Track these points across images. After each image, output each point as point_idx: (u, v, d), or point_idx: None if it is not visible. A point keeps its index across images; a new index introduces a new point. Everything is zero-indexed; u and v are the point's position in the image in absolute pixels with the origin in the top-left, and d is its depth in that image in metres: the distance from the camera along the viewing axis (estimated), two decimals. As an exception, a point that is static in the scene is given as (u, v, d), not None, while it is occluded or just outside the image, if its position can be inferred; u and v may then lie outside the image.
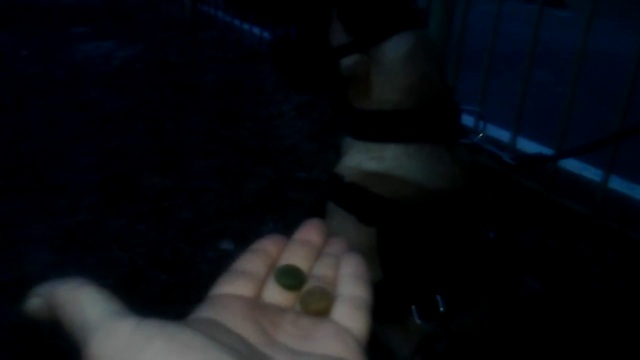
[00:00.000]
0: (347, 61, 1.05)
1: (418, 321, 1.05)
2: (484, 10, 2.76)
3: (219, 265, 1.63)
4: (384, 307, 1.09)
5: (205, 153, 2.71)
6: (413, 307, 1.05)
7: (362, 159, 1.08)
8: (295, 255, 0.41)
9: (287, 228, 1.77)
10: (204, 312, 0.34)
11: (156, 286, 1.78)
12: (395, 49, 1.03)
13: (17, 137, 2.80)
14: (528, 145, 2.53)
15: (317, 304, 0.36)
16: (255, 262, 0.39)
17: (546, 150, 2.36)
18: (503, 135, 2.38)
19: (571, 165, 2.30)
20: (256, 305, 0.36)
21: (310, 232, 0.44)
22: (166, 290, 1.76)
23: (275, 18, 3.87)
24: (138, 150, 2.70)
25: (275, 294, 0.38)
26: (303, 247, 0.42)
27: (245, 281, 0.38)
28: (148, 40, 4.76)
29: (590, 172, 2.24)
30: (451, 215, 1.05)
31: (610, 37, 4.77)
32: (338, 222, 1.10)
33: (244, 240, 2.02)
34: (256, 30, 4.35)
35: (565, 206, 2.10)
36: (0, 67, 3.95)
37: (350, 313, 0.36)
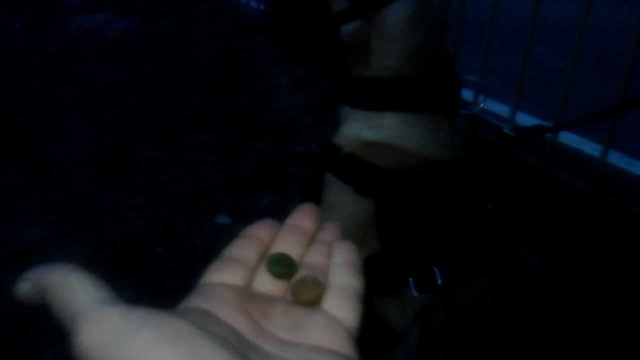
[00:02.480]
0: (348, 27, 1.02)
1: (415, 293, 1.04)
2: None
3: (215, 239, 1.63)
4: (381, 279, 1.08)
5: (201, 126, 2.68)
6: (410, 279, 1.05)
7: (360, 128, 1.06)
8: (287, 242, 0.40)
9: (283, 202, 1.76)
10: (194, 301, 0.33)
11: (151, 260, 1.77)
12: (396, 14, 1.00)
13: (11, 109, 2.77)
14: (527, 120, 2.51)
15: (308, 294, 0.36)
16: (246, 249, 0.38)
17: (546, 124, 2.33)
18: (502, 109, 2.36)
19: (570, 139, 2.27)
20: (246, 294, 0.35)
21: (303, 217, 0.43)
22: (161, 264, 1.75)
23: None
24: (134, 124, 2.68)
25: (266, 283, 0.37)
26: (295, 233, 0.41)
27: (236, 269, 0.37)
28: (144, 13, 4.69)
29: (590, 147, 2.22)
30: (450, 186, 1.04)
31: (610, 13, 4.72)
32: (335, 194, 1.08)
33: (240, 214, 2.01)
34: (253, 3, 4.28)
35: (564, 180, 2.08)
36: (-7, 39, 3.90)
37: (341, 303, 0.36)
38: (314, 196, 1.13)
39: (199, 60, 3.60)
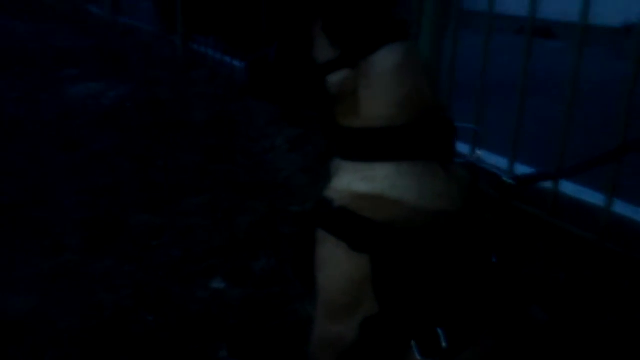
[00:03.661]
0: (335, 77, 0.99)
1: (419, 357, 0.97)
2: (472, 44, 2.73)
3: (209, 304, 1.55)
4: (381, 342, 1.01)
5: (195, 190, 2.64)
6: (413, 342, 0.98)
7: (351, 180, 1.01)
8: None
9: (280, 264, 1.68)
10: None
11: (142, 328, 1.68)
12: (384, 61, 0.97)
13: (2, 177, 2.73)
14: (526, 171, 2.47)
15: None
16: None
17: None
18: (499, 161, 2.32)
19: (571, 189, 2.23)
20: None
21: None
22: (153, 332, 1.67)
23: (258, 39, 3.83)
24: (126, 189, 2.63)
25: None
26: None
27: None
28: (139, 80, 4.74)
29: (591, 196, 2.17)
30: (450, 239, 0.98)
31: (601, 64, 4.76)
32: (328, 250, 1.03)
33: (235, 278, 1.94)
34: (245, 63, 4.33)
35: (568, 232, 2.02)
36: (-12, 110, 3.91)
37: None
38: (307, 254, 1.07)
39: (193, 123, 3.61)
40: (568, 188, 2.18)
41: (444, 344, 0.96)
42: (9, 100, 4.17)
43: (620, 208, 2.03)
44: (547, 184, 2.07)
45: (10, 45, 6.44)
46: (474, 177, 1.06)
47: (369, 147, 0.99)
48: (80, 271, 1.97)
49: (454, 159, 1.03)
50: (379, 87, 0.97)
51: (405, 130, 0.98)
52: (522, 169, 2.41)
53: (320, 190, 2.53)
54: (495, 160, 2.39)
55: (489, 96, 2.37)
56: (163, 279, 1.93)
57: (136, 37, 6.86)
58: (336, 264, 1.02)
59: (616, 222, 1.98)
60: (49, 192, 2.59)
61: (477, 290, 0.99)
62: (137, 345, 1.61)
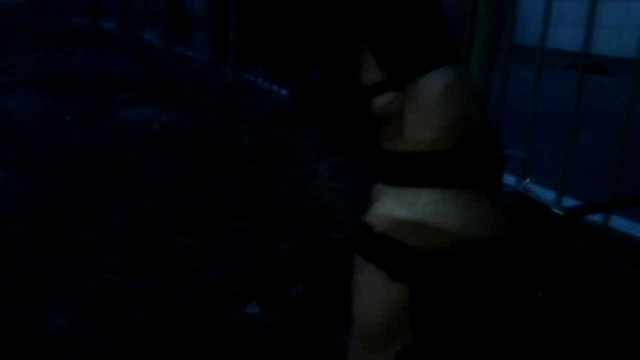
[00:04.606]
0: (381, 100, 0.96)
1: (457, 393, 0.91)
2: (522, 77, 2.67)
3: (243, 329, 1.52)
4: (416, 376, 0.95)
5: (237, 213, 2.64)
6: (451, 376, 0.92)
7: (393, 206, 0.97)
8: None
9: (317, 291, 1.65)
10: None
11: (175, 351, 1.66)
12: (432, 85, 0.94)
13: (51, 195, 2.80)
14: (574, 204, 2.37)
15: None
16: None
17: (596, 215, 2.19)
18: (547, 194, 2.24)
19: (622, 224, 2.12)
20: None
21: None
22: (185, 356, 1.65)
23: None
24: (170, 211, 2.65)
25: None
26: None
27: None
28: (189, 106, 4.83)
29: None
30: (494, 270, 0.93)
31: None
32: (366, 278, 0.99)
33: (271, 304, 1.91)
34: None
35: (618, 267, 1.92)
36: (43, 131, 4.03)
37: None
38: (344, 281, 1.04)
39: (239, 149, 3.63)
40: (619, 223, 2.08)
41: (484, 381, 0.90)
42: (64, 122, 4.30)
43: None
44: (597, 217, 1.98)
45: (69, 71, 6.69)
46: (521, 207, 1.01)
47: (413, 172, 0.96)
48: (119, 291, 1.98)
49: (501, 187, 0.98)
50: (426, 110, 0.94)
51: (452, 155, 0.94)
52: (569, 202, 2.32)
53: (361, 217, 2.50)
54: (543, 193, 2.31)
55: (537, 129, 2.31)
56: (199, 301, 1.92)
57: (189, 65, 7.02)
58: (373, 293, 0.98)
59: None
60: (95, 213, 2.63)
61: (521, 324, 0.94)
62: (169, 367, 1.59)
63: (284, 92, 4.59)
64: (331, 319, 1.77)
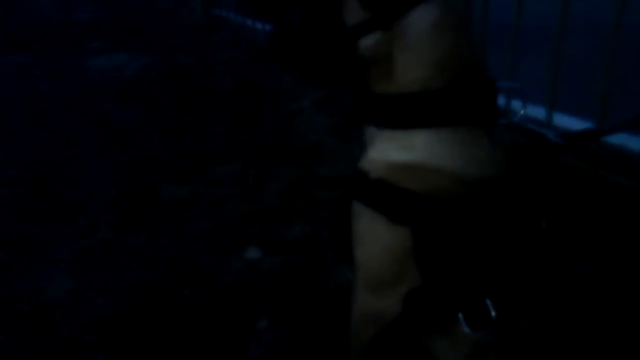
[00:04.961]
0: (367, 41, 0.92)
1: (467, 330, 0.92)
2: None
3: (245, 275, 1.52)
4: (426, 315, 0.96)
5: (224, 158, 2.60)
6: (460, 314, 0.92)
7: (388, 150, 0.95)
8: None
9: (315, 230, 1.63)
10: None
11: (179, 303, 1.67)
12: (420, 21, 0.90)
13: (32, 157, 2.73)
14: (565, 121, 2.36)
15: None
16: None
17: (586, 125, 2.19)
18: (538, 112, 2.22)
19: (615, 137, 2.12)
20: None
21: None
22: (190, 307, 1.66)
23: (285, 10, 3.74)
24: (156, 161, 2.61)
25: None
26: None
27: None
28: (161, 49, 4.68)
29: (636, 143, 2.07)
30: (496, 207, 0.92)
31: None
32: (366, 224, 0.97)
33: (270, 247, 1.91)
34: (269, 28, 4.23)
35: (612, 181, 1.93)
36: (15, 88, 3.91)
37: None
38: (343, 228, 1.03)
39: (219, 90, 3.55)
40: (611, 137, 2.08)
41: (493, 315, 0.91)
42: (34, 77, 4.17)
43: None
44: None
45: (33, 20, 6.42)
46: (519, 139, 0.99)
47: (406, 113, 0.93)
48: (114, 249, 1.97)
49: (496, 121, 0.95)
50: (416, 48, 0.90)
51: (445, 93, 0.91)
52: (560, 118, 2.31)
53: (350, 151, 2.48)
54: (533, 111, 2.29)
55: (523, 41, 2.27)
56: (197, 251, 1.92)
57: (157, 4, 6.77)
58: (375, 238, 0.96)
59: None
60: (80, 170, 2.58)
61: (526, 258, 0.93)
62: (174, 321, 1.60)
63: (259, 25, 4.44)
64: (331, 257, 1.78)
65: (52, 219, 2.18)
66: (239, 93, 3.49)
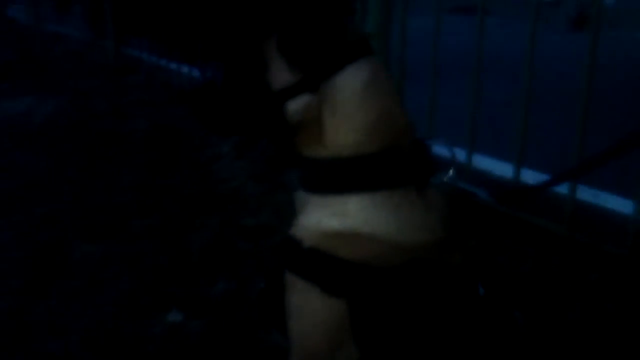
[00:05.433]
0: (295, 104, 0.87)
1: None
2: (413, 25, 2.64)
3: (167, 341, 1.40)
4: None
5: (141, 210, 2.48)
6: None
7: (321, 217, 0.90)
8: None
9: (240, 286, 1.54)
10: None
11: (96, 379, 1.54)
12: (350, 83, 0.86)
13: None
14: (484, 162, 2.42)
15: None
16: None
17: (505, 167, 2.24)
18: (458, 153, 2.25)
19: (532, 177, 2.18)
20: None
21: None
22: (108, 382, 1.52)
23: (203, 53, 3.69)
24: (66, 217, 2.44)
25: None
26: None
27: None
28: (71, 92, 4.48)
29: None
30: (433, 275, 0.88)
31: (552, 42, 4.80)
32: (300, 296, 0.91)
33: (193, 308, 1.81)
34: (185, 69, 4.15)
35: (534, 224, 1.97)
36: None
37: None
38: (276, 302, 0.96)
39: (133, 135, 3.42)
40: (530, 176, 2.13)
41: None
42: None
43: (584, 194, 1.99)
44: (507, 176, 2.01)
45: None
46: (452, 201, 0.97)
47: (338, 178, 0.88)
48: (22, 317, 1.80)
49: (430, 184, 0.93)
50: (346, 112, 0.86)
51: (377, 157, 0.87)
52: (480, 160, 2.36)
53: (274, 198, 2.41)
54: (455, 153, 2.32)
55: (439, 79, 2.32)
56: (114, 317, 1.78)
57: (65, 44, 6.54)
58: (309, 310, 0.91)
59: (581, 208, 1.94)
60: (-20, 228, 2.38)
61: (465, 327, 0.90)
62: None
63: (173, 65, 4.35)
64: (259, 317, 1.70)
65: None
66: (154, 138, 3.37)
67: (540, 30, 1.97)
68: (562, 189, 1.90)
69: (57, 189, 2.72)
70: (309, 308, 0.91)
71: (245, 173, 2.78)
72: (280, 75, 0.88)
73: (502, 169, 2.35)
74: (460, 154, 2.22)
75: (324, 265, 0.88)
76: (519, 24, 1.92)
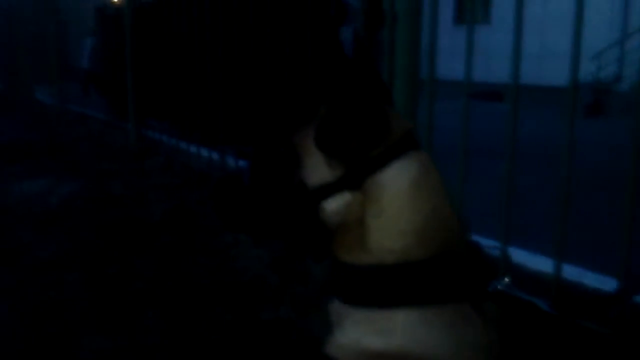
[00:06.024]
0: (334, 204, 0.77)
1: None
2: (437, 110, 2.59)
3: None
4: None
5: (155, 300, 2.35)
6: None
7: (362, 334, 0.78)
8: None
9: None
10: None
11: None
12: (397, 180, 0.76)
13: None
14: (522, 257, 2.23)
15: None
16: None
17: (544, 262, 2.07)
18: (490, 243, 2.12)
19: (574, 273, 2.02)
20: None
21: None
22: None
23: (223, 138, 3.66)
24: (75, 305, 2.32)
25: None
26: None
27: None
28: (90, 174, 4.46)
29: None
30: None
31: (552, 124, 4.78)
32: None
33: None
34: (204, 152, 4.12)
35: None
36: None
37: None
38: None
39: (150, 220, 3.33)
40: (571, 272, 1.98)
41: None
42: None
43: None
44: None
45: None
46: (508, 312, 0.84)
47: (383, 290, 0.77)
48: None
49: (487, 295, 0.81)
50: (392, 213, 0.76)
51: (428, 265, 0.76)
52: (517, 253, 2.22)
53: (293, 290, 2.25)
54: (486, 244, 2.19)
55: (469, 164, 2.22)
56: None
57: (86, 126, 6.61)
58: None
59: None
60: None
61: None
62: None
63: (193, 149, 4.32)
64: None
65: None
66: (171, 223, 3.28)
67: (557, 117, 1.89)
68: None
69: (68, 275, 2.61)
70: None
71: (262, 262, 2.66)
72: (317, 171, 0.78)
73: (536, 261, 2.17)
74: (484, 241, 2.09)
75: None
76: (529, 110, 1.84)
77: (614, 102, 9.63)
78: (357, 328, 0.78)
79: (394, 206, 0.76)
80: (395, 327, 0.76)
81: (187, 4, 4.02)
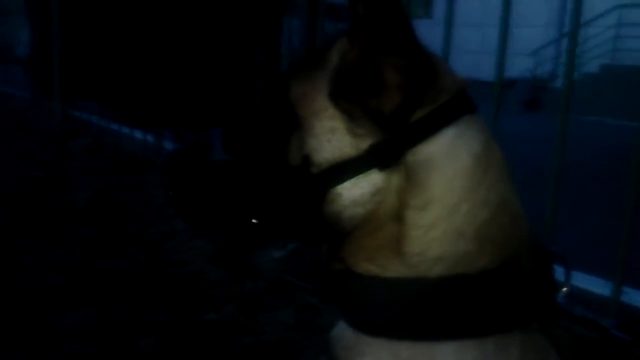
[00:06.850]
0: (357, 190, 0.51)
1: None
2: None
3: None
4: None
5: (76, 299, 2.02)
6: None
7: None
8: None
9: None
10: None
11: None
12: (454, 154, 0.51)
13: None
14: (585, 280, 1.93)
15: None
16: None
17: (595, 281, 1.81)
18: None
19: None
20: None
21: None
22: None
23: (160, 118, 3.37)
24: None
25: None
26: None
27: None
28: (7, 155, 4.03)
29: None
30: None
31: (509, 120, 4.72)
32: None
33: None
34: (138, 134, 3.78)
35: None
36: None
37: None
38: None
39: (74, 206, 2.97)
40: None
41: None
42: None
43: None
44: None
45: None
46: (573, 337, 0.61)
47: (422, 313, 0.51)
48: None
49: (555, 316, 0.57)
50: (447, 203, 0.50)
51: (491, 280, 0.51)
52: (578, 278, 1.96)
53: (240, 287, 1.95)
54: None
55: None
56: None
57: (6, 104, 6.11)
58: None
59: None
60: None
61: None
62: None
63: (125, 130, 4.00)
64: None
65: None
66: (98, 210, 2.94)
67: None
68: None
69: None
70: None
71: (204, 255, 2.38)
72: (331, 141, 0.52)
73: (592, 283, 1.88)
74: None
75: None
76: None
77: (550, 98, 9.84)
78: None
79: (448, 194, 0.50)
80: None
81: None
